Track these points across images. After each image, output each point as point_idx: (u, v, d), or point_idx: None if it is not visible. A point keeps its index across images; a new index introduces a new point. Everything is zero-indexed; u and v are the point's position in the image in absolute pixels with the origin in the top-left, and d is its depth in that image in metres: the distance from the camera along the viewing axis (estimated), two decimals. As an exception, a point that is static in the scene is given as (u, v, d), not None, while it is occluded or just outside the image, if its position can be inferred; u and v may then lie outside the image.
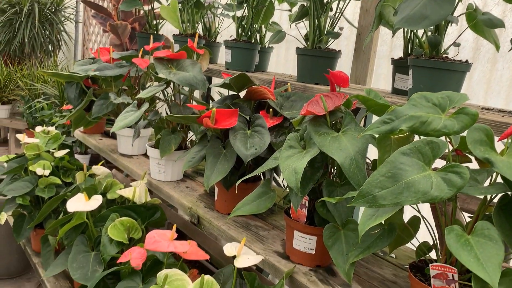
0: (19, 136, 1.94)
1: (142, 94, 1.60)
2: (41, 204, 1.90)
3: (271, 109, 1.31)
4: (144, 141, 2.07)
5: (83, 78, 1.84)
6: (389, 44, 1.97)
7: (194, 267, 1.81)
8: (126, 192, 1.44)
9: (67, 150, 2.05)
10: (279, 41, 1.56)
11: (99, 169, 1.74)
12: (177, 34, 2.22)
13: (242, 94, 1.47)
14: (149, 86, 2.09)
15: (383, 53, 2.00)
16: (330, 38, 1.54)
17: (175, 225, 1.11)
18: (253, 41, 1.89)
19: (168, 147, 1.61)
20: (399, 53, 1.95)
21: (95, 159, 3.34)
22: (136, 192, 1.42)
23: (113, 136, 2.38)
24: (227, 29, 2.78)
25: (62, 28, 5.30)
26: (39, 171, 1.81)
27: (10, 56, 4.94)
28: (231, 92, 1.47)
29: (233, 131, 1.25)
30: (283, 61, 2.51)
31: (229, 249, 1.02)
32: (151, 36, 2.06)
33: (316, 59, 1.53)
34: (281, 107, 1.37)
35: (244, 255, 1.01)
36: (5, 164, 2.15)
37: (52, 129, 2.25)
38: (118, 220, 1.32)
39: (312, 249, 1.12)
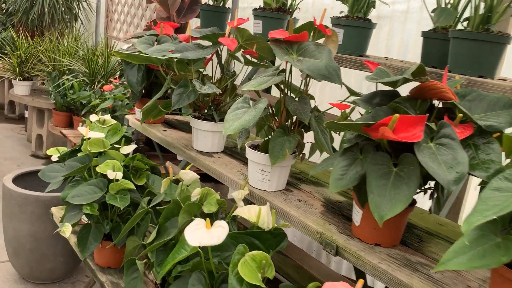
0: (81, 129, 1.62)
1: (252, 86, 1.27)
2: (109, 211, 1.60)
3: (459, 115, 0.99)
4: (223, 137, 1.75)
5: (162, 61, 1.50)
6: (528, 26, 1.63)
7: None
8: (246, 213, 1.13)
9: (134, 146, 1.73)
10: (448, 21, 1.22)
11: (187, 174, 1.43)
12: (259, 8, 1.87)
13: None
14: (232, 72, 1.76)
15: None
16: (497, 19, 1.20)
17: (361, 280, 0.81)
18: (369, 18, 1.55)
19: (281, 153, 1.29)
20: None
21: (136, 150, 3.02)
22: (262, 214, 1.11)
23: (177, 126, 2.05)
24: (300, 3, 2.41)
25: (82, -3, 4.89)
26: (110, 174, 1.49)
27: (28, 27, 4.55)
28: (380, 86, 1.14)
29: (417, 144, 0.93)
30: (373, 41, 2.16)
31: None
32: (236, 11, 1.72)
33: (482, 46, 1.19)
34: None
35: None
36: (55, 157, 1.83)
37: (108, 117, 1.92)
38: (249, 255, 1.01)
39: (546, 314, 0.82)
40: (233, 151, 1.80)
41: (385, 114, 1.02)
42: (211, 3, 2.16)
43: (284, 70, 1.31)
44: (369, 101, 1.13)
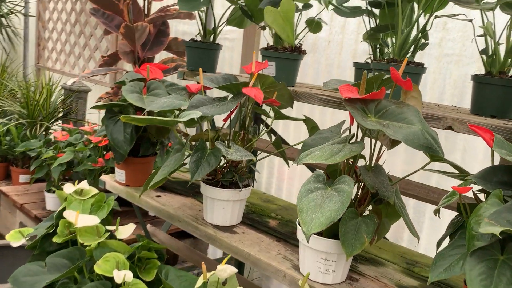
0: (68, 215, 1.21)
1: (320, 158, 0.98)
2: (110, 321, 1.20)
3: None
4: (242, 204, 1.43)
5: (176, 123, 1.16)
6: None
7: None
8: None
9: (133, 226, 1.36)
10: None
11: (225, 270, 1.09)
12: (270, 47, 1.59)
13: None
14: (254, 126, 1.44)
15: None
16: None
17: None
18: (421, 63, 1.33)
19: (357, 240, 1.01)
20: None
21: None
22: None
23: (169, 188, 1.69)
24: (304, 38, 2.15)
25: (6, 23, 4.29)
26: (117, 275, 1.11)
27: None
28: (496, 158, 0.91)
29: None
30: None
31: None
32: (254, 53, 1.44)
33: None
34: None
35: None
36: (16, 244, 1.39)
37: (85, 186, 1.52)
38: None
39: None
40: (253, 220, 1.49)
41: (537, 203, 0.79)
42: (199, 38, 1.85)
43: (354, 135, 1.05)
44: (488, 179, 0.90)
